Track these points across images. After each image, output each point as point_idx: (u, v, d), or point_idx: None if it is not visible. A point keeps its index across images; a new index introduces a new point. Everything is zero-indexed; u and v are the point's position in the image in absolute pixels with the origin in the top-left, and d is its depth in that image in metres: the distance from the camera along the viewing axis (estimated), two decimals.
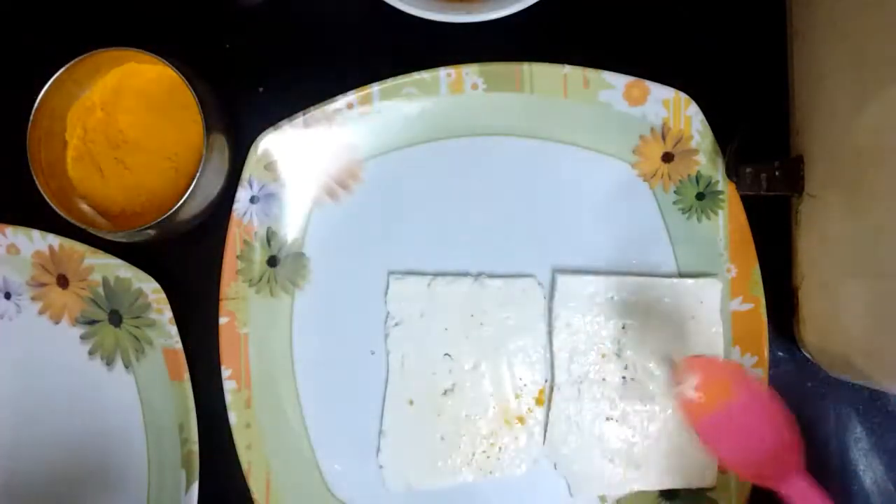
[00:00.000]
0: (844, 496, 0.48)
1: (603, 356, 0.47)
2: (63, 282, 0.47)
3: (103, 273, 0.46)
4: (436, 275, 0.48)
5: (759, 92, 0.49)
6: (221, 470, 0.47)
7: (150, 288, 0.46)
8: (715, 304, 0.47)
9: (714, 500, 0.47)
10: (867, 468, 0.48)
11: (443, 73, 0.46)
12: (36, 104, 0.44)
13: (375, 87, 0.46)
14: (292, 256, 0.48)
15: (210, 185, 0.46)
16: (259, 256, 0.47)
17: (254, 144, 0.46)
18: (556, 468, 0.47)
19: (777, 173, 0.45)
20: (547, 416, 0.47)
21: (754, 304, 0.47)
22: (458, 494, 0.47)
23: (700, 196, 0.48)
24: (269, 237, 0.47)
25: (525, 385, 0.47)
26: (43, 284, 0.47)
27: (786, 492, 0.36)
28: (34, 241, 0.46)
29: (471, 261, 0.48)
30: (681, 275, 0.48)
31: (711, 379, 0.40)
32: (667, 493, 0.47)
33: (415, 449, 0.47)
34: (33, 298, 0.47)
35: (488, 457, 0.47)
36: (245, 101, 0.49)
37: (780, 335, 0.48)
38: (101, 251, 0.46)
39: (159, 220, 0.43)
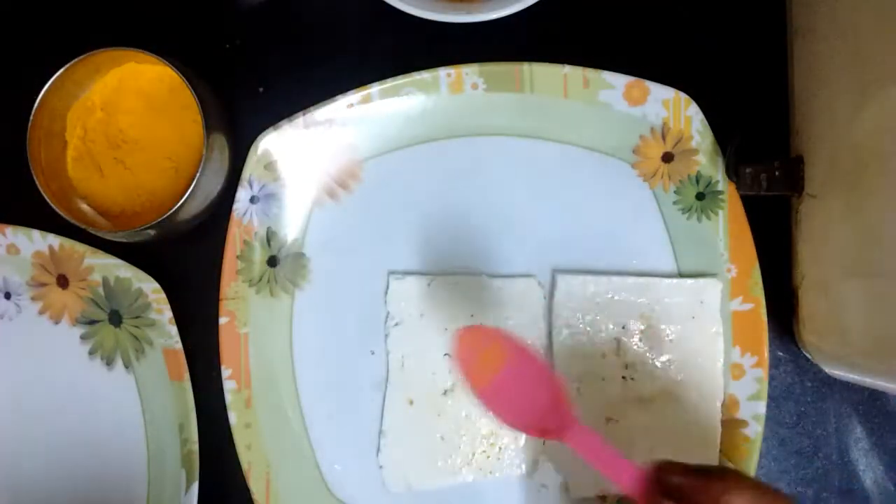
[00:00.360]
0: (845, 496, 0.48)
1: (603, 356, 0.47)
2: (63, 282, 0.47)
3: (103, 273, 0.46)
4: (436, 275, 0.48)
5: (759, 92, 0.49)
6: (221, 470, 0.47)
7: (150, 288, 0.46)
8: (715, 304, 0.47)
9: None
10: (867, 468, 0.48)
11: (443, 73, 0.46)
12: (36, 104, 0.44)
13: (375, 87, 0.46)
14: (292, 256, 0.48)
15: (210, 185, 0.46)
16: (259, 256, 0.47)
17: (254, 144, 0.46)
18: (556, 468, 0.47)
19: (777, 173, 0.45)
20: None
21: (754, 304, 0.47)
22: (458, 494, 0.47)
23: (700, 196, 0.48)
24: (269, 237, 0.47)
25: None
26: (43, 284, 0.47)
27: (570, 440, 0.39)
28: (34, 241, 0.46)
29: (471, 261, 0.48)
30: (681, 275, 0.48)
31: (482, 347, 0.41)
32: None
33: (415, 449, 0.47)
34: (33, 298, 0.47)
35: (488, 457, 0.47)
36: (245, 101, 0.49)
37: (780, 335, 0.48)
38: (101, 251, 0.46)
39: (159, 220, 0.43)
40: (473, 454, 0.47)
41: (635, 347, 0.47)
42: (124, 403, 0.47)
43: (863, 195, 0.39)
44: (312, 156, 0.47)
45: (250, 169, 0.46)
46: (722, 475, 0.34)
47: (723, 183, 0.47)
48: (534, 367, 0.40)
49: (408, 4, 0.42)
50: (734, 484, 0.33)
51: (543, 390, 0.40)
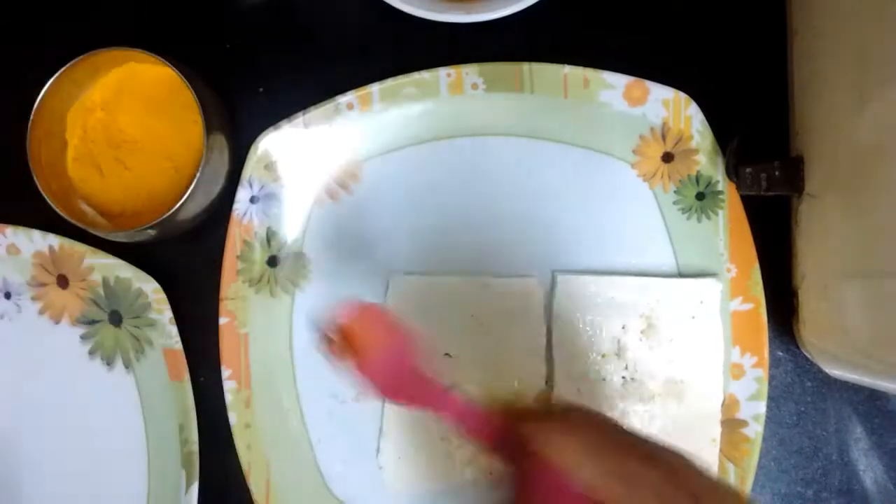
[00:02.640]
0: (845, 496, 0.48)
1: (603, 356, 0.47)
2: (63, 282, 0.47)
3: (103, 273, 0.46)
4: (436, 275, 0.48)
5: (759, 92, 0.48)
6: (221, 470, 0.47)
7: (150, 288, 0.46)
8: (715, 304, 0.47)
9: None
10: (867, 468, 0.48)
11: (443, 73, 0.46)
12: (36, 104, 0.44)
13: (375, 87, 0.46)
14: (292, 256, 0.48)
15: (210, 185, 0.46)
16: (259, 256, 0.47)
17: (254, 144, 0.46)
18: None
19: (777, 173, 0.45)
20: None
21: (754, 304, 0.47)
22: (458, 495, 0.47)
23: (700, 196, 0.48)
24: (269, 237, 0.47)
25: (525, 385, 0.47)
26: (43, 284, 0.47)
27: (444, 411, 0.36)
28: (34, 242, 0.46)
29: (471, 261, 0.48)
30: (681, 275, 0.48)
31: (357, 324, 0.38)
32: None
33: (415, 449, 0.47)
34: (33, 298, 0.47)
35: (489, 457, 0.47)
36: (245, 101, 0.49)
37: (780, 335, 0.48)
38: (101, 251, 0.46)
39: (159, 220, 0.43)
40: (473, 454, 0.47)
41: (635, 347, 0.47)
42: (124, 403, 0.47)
43: (863, 195, 0.39)
44: (312, 156, 0.47)
45: (250, 169, 0.46)
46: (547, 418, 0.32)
47: (723, 183, 0.47)
48: (400, 339, 0.38)
49: (408, 4, 0.42)
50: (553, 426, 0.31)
51: (411, 360, 0.37)
